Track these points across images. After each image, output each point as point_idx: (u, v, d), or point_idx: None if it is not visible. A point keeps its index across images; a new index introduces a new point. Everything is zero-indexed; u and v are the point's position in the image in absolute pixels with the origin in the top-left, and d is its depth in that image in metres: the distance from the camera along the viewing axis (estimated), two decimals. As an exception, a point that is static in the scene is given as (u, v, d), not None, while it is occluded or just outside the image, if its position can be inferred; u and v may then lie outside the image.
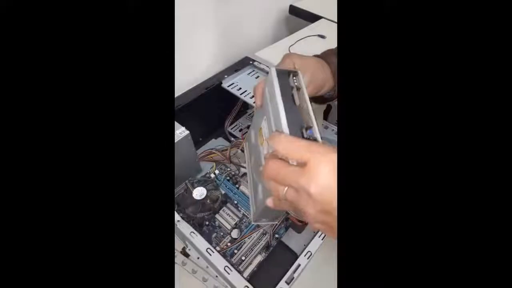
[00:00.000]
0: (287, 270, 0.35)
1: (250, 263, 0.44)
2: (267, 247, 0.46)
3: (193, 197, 0.48)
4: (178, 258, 0.45)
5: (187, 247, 0.46)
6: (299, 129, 0.28)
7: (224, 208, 0.50)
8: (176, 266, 0.45)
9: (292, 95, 0.31)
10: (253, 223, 0.45)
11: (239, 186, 0.53)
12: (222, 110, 0.60)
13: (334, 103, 0.48)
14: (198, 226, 0.48)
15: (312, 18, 0.89)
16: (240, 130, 0.62)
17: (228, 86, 0.54)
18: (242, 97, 0.52)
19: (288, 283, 0.34)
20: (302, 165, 0.22)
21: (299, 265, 0.35)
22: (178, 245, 0.46)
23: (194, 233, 0.39)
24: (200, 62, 0.68)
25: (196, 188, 0.48)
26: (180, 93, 0.52)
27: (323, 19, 0.88)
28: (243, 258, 0.44)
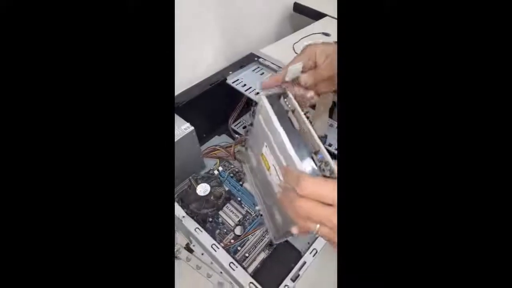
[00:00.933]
0: (291, 268, 0.35)
1: (253, 260, 0.44)
2: (270, 244, 0.46)
3: (196, 193, 0.48)
4: (183, 254, 0.45)
5: (191, 243, 0.46)
6: (309, 157, 0.28)
7: (228, 204, 0.50)
8: (180, 261, 0.45)
9: (290, 119, 0.31)
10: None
11: (243, 183, 0.53)
12: (227, 107, 0.60)
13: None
14: (202, 222, 0.48)
15: (317, 15, 0.88)
16: (244, 127, 0.62)
17: (232, 83, 0.54)
18: (247, 93, 0.52)
19: (293, 281, 0.34)
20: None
21: (304, 263, 0.35)
22: (182, 241, 0.46)
23: (199, 229, 0.39)
24: (205, 58, 0.67)
25: (200, 185, 0.48)
26: (184, 89, 0.52)
27: (327, 16, 0.87)
28: (246, 255, 0.44)
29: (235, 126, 0.62)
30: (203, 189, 0.48)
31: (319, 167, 0.27)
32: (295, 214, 0.25)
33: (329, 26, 0.85)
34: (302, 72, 0.34)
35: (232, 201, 0.50)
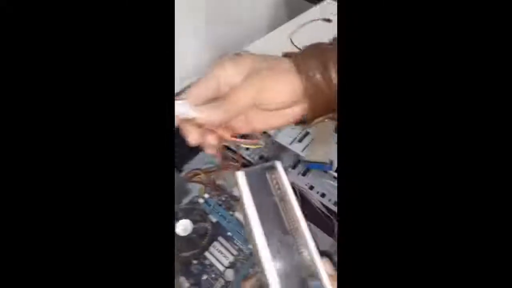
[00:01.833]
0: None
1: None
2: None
3: (175, 233, 0.39)
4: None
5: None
6: (298, 282, 0.21)
7: (215, 243, 0.41)
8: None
9: (278, 213, 0.23)
10: None
11: (234, 212, 0.44)
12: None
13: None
14: (184, 266, 0.40)
15: (316, -2, 0.77)
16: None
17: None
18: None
19: None
20: None
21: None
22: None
23: None
24: (184, 60, 0.58)
25: (180, 222, 0.40)
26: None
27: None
28: (239, 309, 0.37)
29: (223, 139, 0.53)
30: (183, 227, 0.40)
31: None
32: None
33: (331, 10, 0.74)
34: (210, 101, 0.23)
35: (220, 237, 0.42)
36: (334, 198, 0.43)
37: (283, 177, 0.25)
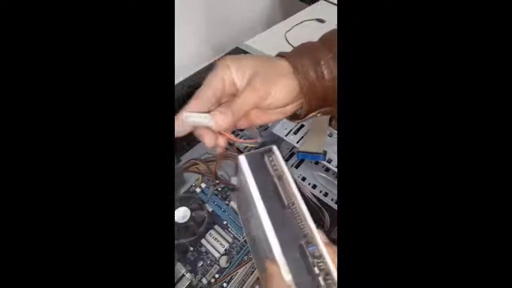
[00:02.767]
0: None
1: (242, 300, 0.38)
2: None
3: (174, 220, 0.40)
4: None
5: None
6: (297, 248, 0.23)
7: (211, 231, 0.43)
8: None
9: (277, 191, 0.25)
10: None
11: (229, 202, 0.46)
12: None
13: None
14: (182, 253, 0.41)
15: (310, -1, 0.80)
16: (233, 132, 0.54)
17: (214, 85, 0.45)
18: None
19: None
20: None
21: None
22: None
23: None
24: (182, 55, 0.59)
25: (178, 209, 0.41)
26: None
27: (322, 0, 0.78)
28: (234, 293, 0.38)
29: (219, 131, 0.54)
30: (182, 214, 0.41)
31: (310, 264, 0.22)
32: None
33: (325, 11, 0.77)
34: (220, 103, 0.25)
35: (216, 226, 0.43)
36: (325, 189, 0.45)
37: (280, 159, 0.27)
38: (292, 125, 0.41)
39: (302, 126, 0.41)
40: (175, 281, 0.35)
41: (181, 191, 0.47)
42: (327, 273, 0.21)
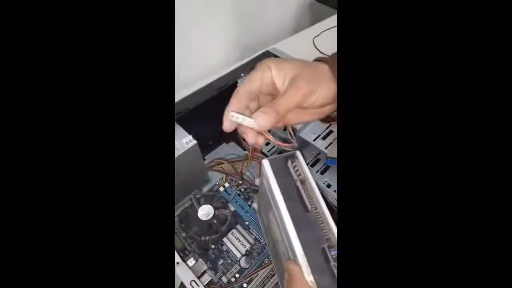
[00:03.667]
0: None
1: (261, 301, 0.38)
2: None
3: (198, 217, 0.41)
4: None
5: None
6: (319, 251, 0.23)
7: (233, 230, 0.43)
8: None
9: (300, 195, 0.25)
10: None
11: (252, 203, 0.46)
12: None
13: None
14: (203, 250, 0.42)
15: (341, 6, 0.79)
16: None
17: (244, 86, 0.46)
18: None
19: None
20: None
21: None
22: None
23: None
24: (212, 58, 0.60)
25: (202, 206, 0.42)
26: (189, 93, 0.45)
27: (353, 7, 0.78)
28: (253, 294, 0.38)
29: (245, 133, 0.55)
30: (206, 212, 0.41)
31: (332, 267, 0.23)
32: None
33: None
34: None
35: (238, 226, 0.44)
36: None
37: (303, 164, 0.27)
38: (321, 130, 0.41)
39: (331, 132, 0.41)
40: (197, 276, 0.35)
41: (205, 189, 0.47)
42: None
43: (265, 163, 0.26)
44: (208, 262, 0.40)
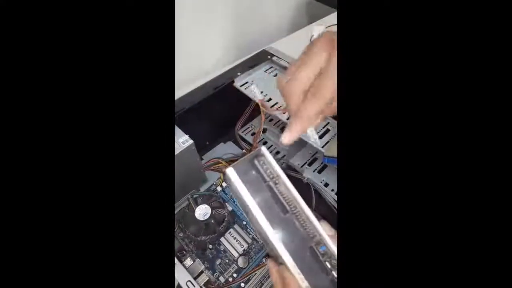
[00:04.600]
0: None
1: (259, 301, 0.38)
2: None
3: (195, 216, 0.41)
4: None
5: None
6: (308, 251, 0.23)
7: (231, 230, 0.43)
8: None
9: (276, 197, 0.24)
10: None
11: (249, 202, 0.46)
12: (233, 110, 0.53)
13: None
14: (201, 250, 0.42)
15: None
16: (253, 134, 0.54)
17: (241, 86, 0.46)
18: (256, 99, 0.44)
19: None
20: None
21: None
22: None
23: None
24: (208, 57, 0.59)
25: (199, 206, 0.41)
26: (185, 92, 0.45)
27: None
28: (251, 293, 0.38)
29: (242, 132, 0.55)
30: (203, 211, 0.41)
31: (323, 263, 0.23)
32: None
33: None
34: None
35: (236, 225, 0.43)
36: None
37: (272, 161, 0.25)
38: (318, 129, 0.41)
39: (328, 130, 0.41)
40: (194, 276, 0.35)
41: (202, 189, 0.47)
42: None
43: (230, 172, 0.23)
44: (205, 262, 0.40)
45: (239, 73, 0.47)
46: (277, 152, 0.52)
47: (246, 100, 0.49)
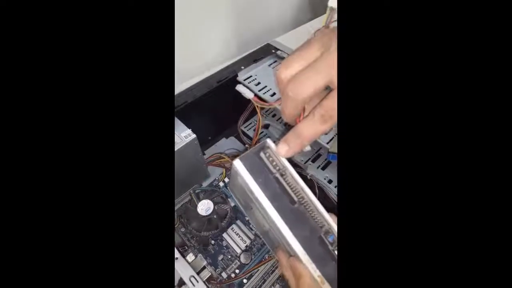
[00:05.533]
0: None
1: (262, 297, 0.37)
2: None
3: (197, 212, 0.41)
4: None
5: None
6: (318, 241, 0.23)
7: (233, 225, 0.42)
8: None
9: (283, 188, 0.24)
10: None
11: (252, 198, 0.45)
12: (236, 105, 0.52)
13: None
14: (203, 245, 0.41)
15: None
16: (255, 130, 0.54)
17: (244, 80, 0.45)
18: (260, 93, 0.43)
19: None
20: None
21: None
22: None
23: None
24: (212, 50, 0.59)
25: (202, 201, 0.41)
26: (188, 86, 0.44)
27: (354, 1, 0.77)
28: (253, 290, 0.38)
29: (245, 127, 0.54)
30: (205, 207, 0.41)
31: (332, 252, 0.23)
32: None
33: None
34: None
35: (238, 221, 0.43)
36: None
37: (279, 155, 0.25)
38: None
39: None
40: (197, 272, 0.35)
41: (204, 184, 0.47)
42: None
43: (237, 164, 0.24)
44: (207, 258, 0.40)
45: (242, 67, 0.46)
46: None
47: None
